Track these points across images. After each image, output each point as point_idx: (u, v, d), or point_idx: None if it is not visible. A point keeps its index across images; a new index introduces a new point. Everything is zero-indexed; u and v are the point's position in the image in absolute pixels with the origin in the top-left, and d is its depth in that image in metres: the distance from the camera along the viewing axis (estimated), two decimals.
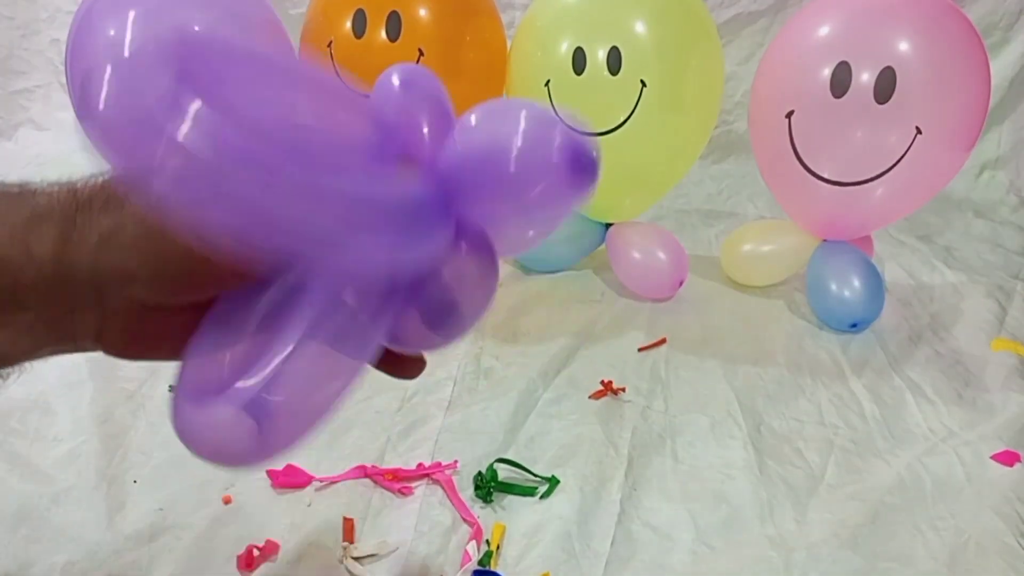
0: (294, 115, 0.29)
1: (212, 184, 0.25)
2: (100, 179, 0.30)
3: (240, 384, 0.29)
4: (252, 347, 0.30)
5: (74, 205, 0.29)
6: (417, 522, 0.70)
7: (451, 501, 0.72)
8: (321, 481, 0.74)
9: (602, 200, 1.10)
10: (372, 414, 0.84)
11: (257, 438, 0.28)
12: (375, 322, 0.30)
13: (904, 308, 1.08)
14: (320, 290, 0.30)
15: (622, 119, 0.97)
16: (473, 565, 0.65)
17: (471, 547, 0.67)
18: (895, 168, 0.93)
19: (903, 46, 0.90)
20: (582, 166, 0.30)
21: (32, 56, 1.64)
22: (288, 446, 0.30)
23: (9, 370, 0.32)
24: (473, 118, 0.32)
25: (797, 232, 1.08)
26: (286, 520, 0.70)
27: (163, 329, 0.31)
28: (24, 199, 0.29)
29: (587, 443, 0.80)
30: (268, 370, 0.28)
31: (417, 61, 0.99)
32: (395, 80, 0.35)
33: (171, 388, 0.31)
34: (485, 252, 0.32)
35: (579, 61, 0.96)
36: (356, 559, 0.66)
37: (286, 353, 0.29)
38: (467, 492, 0.73)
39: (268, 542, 0.67)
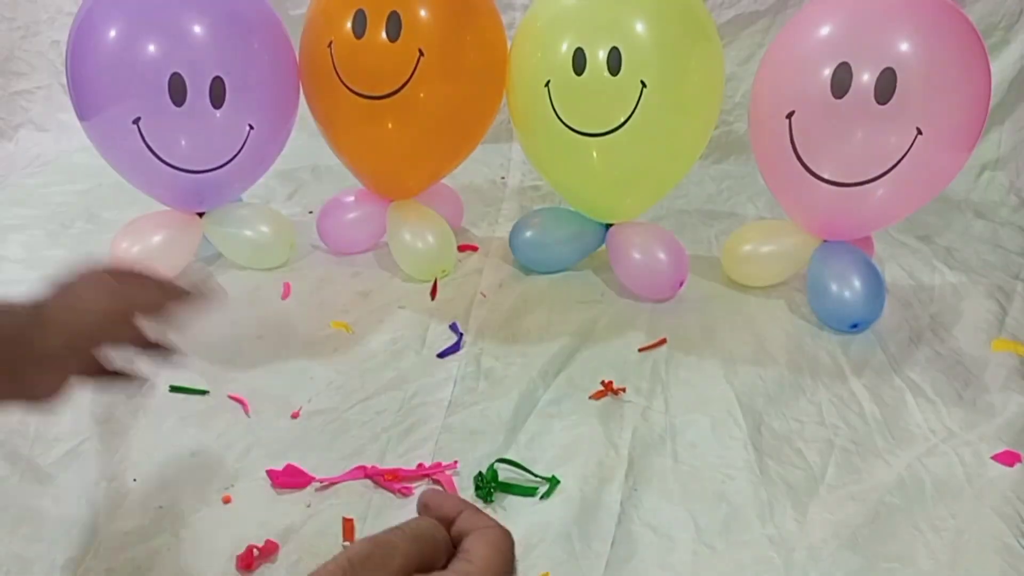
0: None
1: None
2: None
3: None
4: None
5: None
6: None
7: None
8: (321, 482, 0.74)
9: (602, 200, 1.10)
10: (372, 414, 0.84)
11: None
12: None
13: (904, 309, 1.08)
14: None
15: (622, 119, 0.97)
16: None
17: None
18: (895, 169, 0.93)
19: (903, 47, 0.90)
20: None
21: (33, 57, 1.64)
22: None
23: None
24: None
25: (797, 232, 1.08)
26: (286, 521, 0.70)
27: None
28: None
29: (587, 443, 0.80)
30: None
31: (417, 61, 0.99)
32: None
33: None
34: None
35: (579, 61, 0.96)
36: None
37: None
38: (467, 492, 0.73)
39: (268, 543, 0.67)
